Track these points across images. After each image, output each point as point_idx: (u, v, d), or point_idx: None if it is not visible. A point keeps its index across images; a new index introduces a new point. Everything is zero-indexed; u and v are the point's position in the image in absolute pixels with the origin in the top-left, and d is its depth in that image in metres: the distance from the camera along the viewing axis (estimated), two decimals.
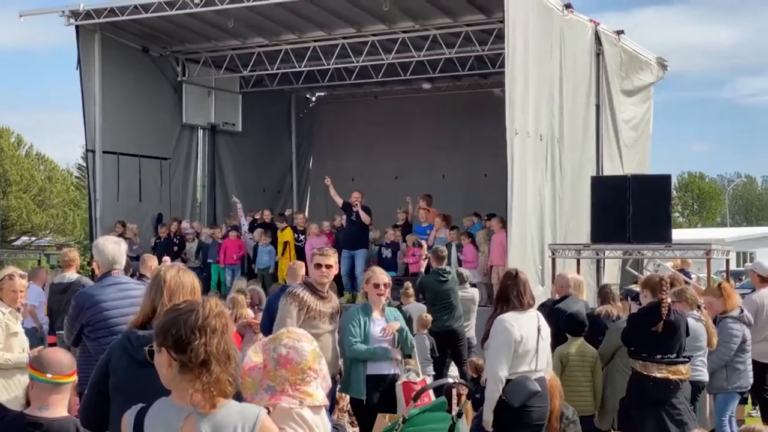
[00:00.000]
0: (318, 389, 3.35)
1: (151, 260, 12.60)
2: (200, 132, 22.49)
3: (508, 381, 6.96)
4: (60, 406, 4.58)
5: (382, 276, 8.33)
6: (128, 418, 3.28)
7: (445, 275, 12.52)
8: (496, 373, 6.94)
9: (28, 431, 4.49)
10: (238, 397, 3.35)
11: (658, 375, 7.80)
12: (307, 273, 10.26)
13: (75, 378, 4.67)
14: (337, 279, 16.55)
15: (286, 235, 18.95)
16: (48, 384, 4.56)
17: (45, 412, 4.54)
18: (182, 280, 4.57)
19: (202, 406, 3.13)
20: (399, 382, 8.08)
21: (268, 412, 3.28)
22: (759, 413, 10.96)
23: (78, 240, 52.40)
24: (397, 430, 6.84)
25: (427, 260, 16.95)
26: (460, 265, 15.98)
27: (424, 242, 15.59)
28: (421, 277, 13.43)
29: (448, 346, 12.37)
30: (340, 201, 17.97)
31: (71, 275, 8.69)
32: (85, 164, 57.41)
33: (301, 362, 3.31)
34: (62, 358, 4.67)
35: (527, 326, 7.06)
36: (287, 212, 20.73)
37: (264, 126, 23.79)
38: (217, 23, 19.07)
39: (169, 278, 4.52)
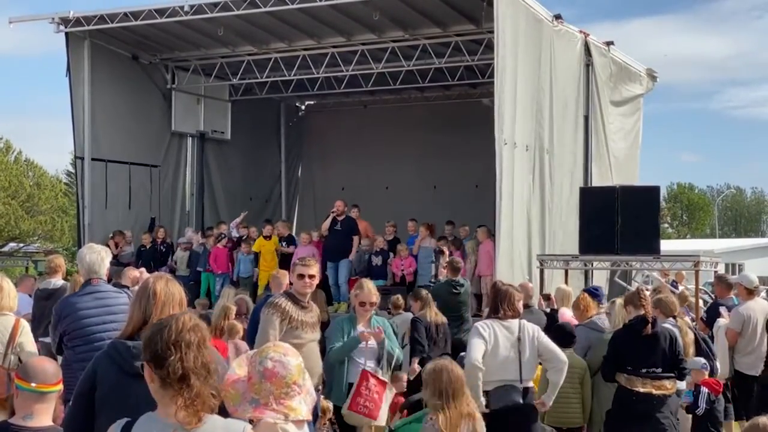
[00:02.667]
0: (301, 404, 3.34)
1: (131, 271, 12.56)
2: (189, 140, 22.45)
3: (486, 392, 7.00)
4: (45, 416, 4.53)
5: (370, 296, 8.38)
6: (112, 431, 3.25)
7: (458, 287, 12.38)
8: (470, 363, 7.01)
9: None
10: (222, 410, 3.33)
11: (642, 389, 7.82)
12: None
13: (60, 387, 4.63)
14: (326, 288, 16.57)
15: (270, 244, 18.88)
16: (32, 393, 4.52)
17: (29, 421, 4.50)
18: (171, 291, 4.56)
19: (187, 422, 3.12)
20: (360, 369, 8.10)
21: (252, 426, 3.27)
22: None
23: (66, 247, 52.17)
24: None
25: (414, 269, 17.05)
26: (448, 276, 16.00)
27: (445, 249, 15.49)
28: (433, 286, 13.38)
29: (452, 356, 12.29)
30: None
31: (57, 282, 8.66)
32: (73, 171, 57.36)
33: (286, 376, 3.30)
34: (47, 367, 4.63)
35: (502, 333, 7.14)
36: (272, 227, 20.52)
37: (253, 134, 23.78)
38: (206, 31, 19.07)
39: (159, 289, 4.51)
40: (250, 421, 3.30)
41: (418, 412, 7.36)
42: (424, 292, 11.89)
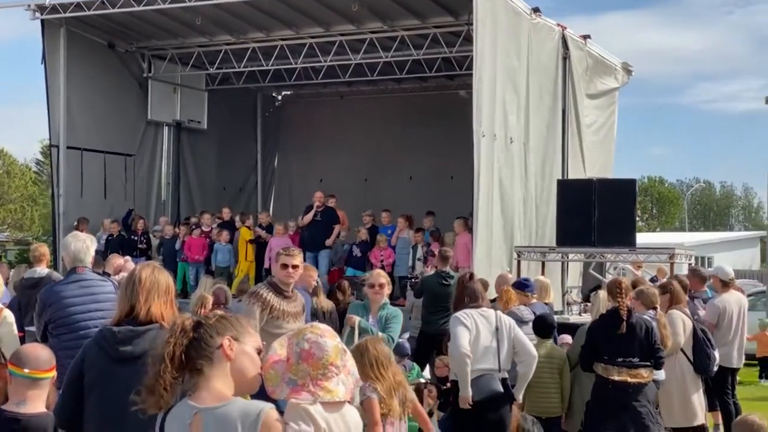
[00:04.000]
0: (339, 385, 3.36)
1: (116, 259, 12.54)
2: (165, 129, 22.36)
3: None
4: (38, 402, 4.55)
5: (379, 277, 8.61)
6: (158, 418, 3.36)
7: (447, 279, 12.38)
8: (459, 351, 7.11)
9: (5, 427, 4.46)
10: (262, 390, 3.39)
11: (617, 378, 7.93)
12: (270, 272, 10.33)
13: (54, 373, 4.65)
14: None
15: (245, 233, 18.93)
16: (25, 379, 4.53)
17: (23, 407, 4.51)
18: (157, 279, 4.59)
19: (218, 402, 3.27)
20: None
21: None
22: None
23: (36, 236, 51.85)
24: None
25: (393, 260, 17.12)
26: (424, 264, 16.11)
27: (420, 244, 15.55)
28: (423, 276, 13.42)
29: (436, 348, 12.32)
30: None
31: (42, 270, 8.63)
32: (44, 159, 56.94)
33: (323, 357, 3.33)
34: (40, 353, 4.64)
35: (482, 322, 7.24)
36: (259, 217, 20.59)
37: (229, 124, 23.71)
38: (184, 20, 18.98)
39: (145, 277, 4.54)
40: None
41: None
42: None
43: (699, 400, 9.47)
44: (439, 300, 12.21)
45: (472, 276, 7.63)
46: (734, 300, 11.24)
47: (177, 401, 3.32)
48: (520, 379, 7.39)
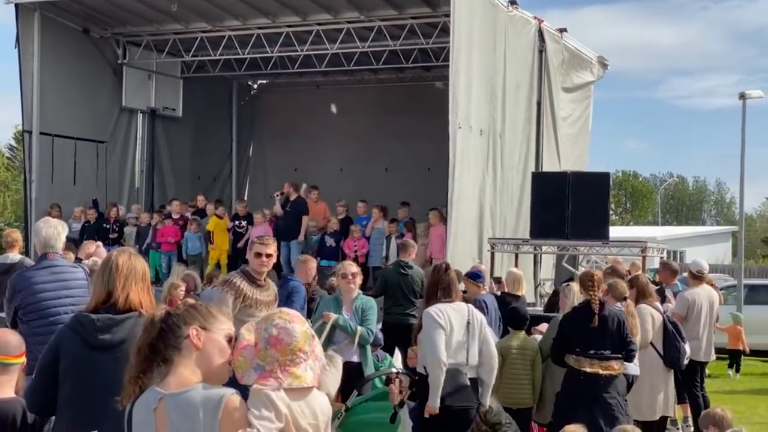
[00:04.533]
0: (307, 371, 3.35)
1: (89, 245, 12.46)
2: (139, 116, 22.23)
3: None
4: (7, 387, 4.52)
5: (350, 266, 8.73)
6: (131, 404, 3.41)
7: (406, 269, 12.41)
8: (436, 357, 7.06)
9: None
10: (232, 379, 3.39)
11: (589, 370, 7.98)
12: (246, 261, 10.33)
13: (23, 359, 4.62)
14: (277, 267, 16.57)
15: (211, 223, 18.90)
16: None
17: None
18: (134, 265, 4.57)
19: (181, 387, 3.29)
20: None
21: None
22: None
23: (8, 222, 51.42)
24: (339, 418, 6.88)
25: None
26: (398, 256, 16.09)
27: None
28: (382, 271, 13.44)
29: (399, 338, 12.34)
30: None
31: (14, 256, 8.57)
32: (17, 145, 56.45)
33: (291, 343, 3.32)
34: (10, 339, 4.61)
35: (455, 317, 7.21)
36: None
37: (204, 112, 23.59)
38: (160, 6, 18.87)
39: (122, 263, 4.52)
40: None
41: (376, 390, 7.44)
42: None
43: (669, 393, 9.52)
44: (399, 290, 12.24)
45: (448, 267, 7.58)
46: (705, 294, 11.31)
47: None
48: (484, 386, 7.35)
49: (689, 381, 11.14)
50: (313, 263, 11.08)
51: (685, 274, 12.15)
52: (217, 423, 3.16)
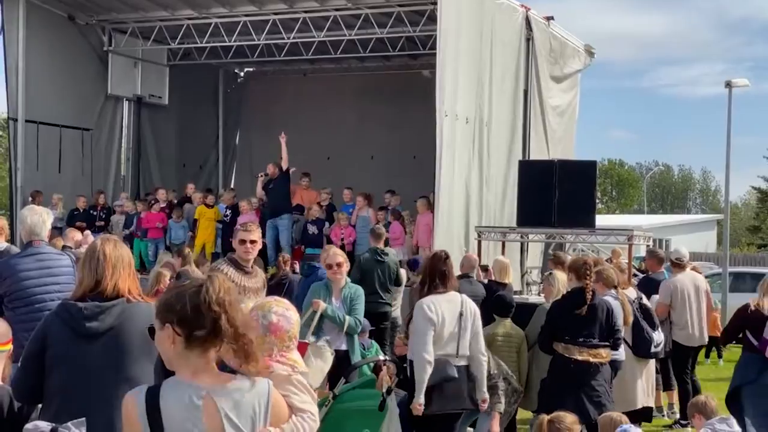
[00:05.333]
0: (298, 356, 3.40)
1: (74, 233, 12.44)
2: (125, 103, 22.15)
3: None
4: None
5: (336, 256, 8.67)
6: (135, 400, 3.12)
7: (382, 255, 12.45)
8: (422, 356, 7.05)
9: None
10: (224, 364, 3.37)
11: (579, 357, 8.00)
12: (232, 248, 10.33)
13: (10, 347, 4.61)
14: (263, 253, 16.54)
15: (197, 211, 18.90)
16: None
17: None
18: (121, 253, 4.60)
19: (226, 382, 3.16)
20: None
21: None
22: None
23: None
24: (326, 406, 6.88)
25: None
26: (387, 245, 16.08)
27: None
28: (358, 258, 13.43)
29: (374, 326, 12.40)
30: (285, 160, 17.81)
31: (0, 244, 8.54)
32: (2, 132, 56.10)
33: (289, 330, 3.36)
34: None
35: (448, 309, 7.18)
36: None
37: (190, 100, 23.52)
38: None
39: (109, 252, 4.54)
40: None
41: (363, 378, 7.44)
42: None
43: (642, 384, 9.46)
44: (375, 277, 12.21)
45: (447, 256, 7.45)
46: (688, 280, 11.33)
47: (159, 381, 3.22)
48: (477, 381, 7.35)
49: (679, 367, 11.19)
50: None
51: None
52: (269, 413, 3.17)
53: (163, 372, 3.34)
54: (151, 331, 3.24)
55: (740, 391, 8.14)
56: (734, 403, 8.02)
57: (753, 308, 8.12)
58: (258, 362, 3.18)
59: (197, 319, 3.10)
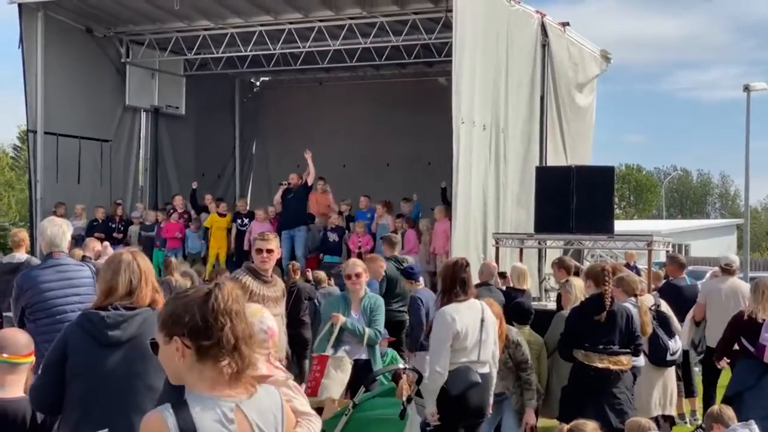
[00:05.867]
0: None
1: (94, 243, 12.50)
2: (143, 114, 22.28)
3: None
4: (16, 387, 4.53)
5: (355, 267, 8.62)
6: (163, 418, 2.88)
7: (402, 263, 12.43)
8: (433, 367, 7.04)
9: None
10: None
11: (599, 365, 7.93)
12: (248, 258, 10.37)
13: (32, 359, 4.63)
14: (279, 263, 16.58)
15: (209, 220, 18.96)
16: (4, 364, 4.51)
17: (1, 392, 4.49)
18: (149, 265, 4.71)
19: (249, 392, 3.00)
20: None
21: None
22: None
23: (13, 222, 51.46)
24: (347, 415, 6.89)
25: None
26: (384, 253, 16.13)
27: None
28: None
29: (396, 334, 12.37)
30: (312, 175, 17.82)
31: (21, 256, 8.61)
32: (22, 145, 56.44)
33: (274, 336, 3.37)
34: (19, 338, 4.63)
35: (469, 317, 7.14)
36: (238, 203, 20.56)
37: (207, 110, 23.62)
38: (162, 5, 18.87)
39: (143, 264, 4.61)
40: None
41: (384, 386, 7.44)
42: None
43: (657, 393, 9.41)
44: (396, 286, 12.10)
45: (467, 263, 7.43)
46: (727, 286, 11.21)
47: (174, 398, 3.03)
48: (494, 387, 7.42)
49: (710, 372, 11.05)
50: (382, 261, 11.12)
51: (692, 267, 12.14)
52: (284, 419, 3.13)
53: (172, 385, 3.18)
54: (154, 345, 3.08)
55: (741, 396, 8.24)
56: (733, 408, 8.03)
57: (747, 316, 8.40)
58: (257, 370, 3.09)
59: (208, 330, 2.94)
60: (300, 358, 12.69)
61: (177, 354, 2.95)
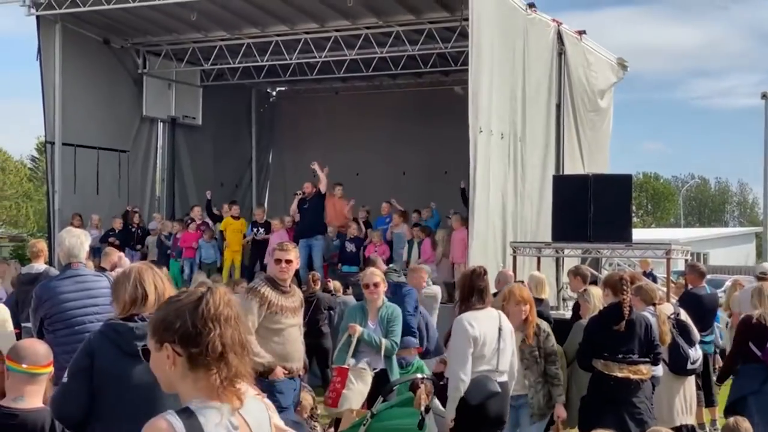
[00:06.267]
0: None
1: (113, 253, 12.52)
2: (160, 125, 22.38)
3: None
4: (36, 397, 4.54)
5: (373, 276, 8.61)
6: (171, 424, 2.77)
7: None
8: (457, 374, 7.00)
9: (2, 422, 4.44)
10: None
11: (619, 374, 7.88)
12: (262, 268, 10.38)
13: (51, 369, 4.63)
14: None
15: (223, 223, 19.09)
16: (23, 375, 4.52)
17: (20, 403, 4.50)
18: (168, 276, 4.74)
19: (242, 401, 2.87)
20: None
21: None
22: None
23: (31, 232, 51.72)
24: (365, 425, 6.87)
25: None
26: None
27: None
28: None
29: None
30: (324, 182, 17.86)
31: (39, 266, 8.63)
32: (39, 156, 56.75)
33: None
34: (38, 348, 4.63)
35: (487, 325, 7.12)
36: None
37: (224, 120, 23.71)
38: (179, 16, 18.96)
39: (161, 273, 4.66)
40: None
41: (402, 396, 7.42)
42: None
43: (679, 402, 9.35)
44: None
45: (485, 272, 7.42)
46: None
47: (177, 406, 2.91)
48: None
49: None
50: (424, 273, 11.13)
51: (711, 276, 12.05)
52: (271, 427, 3.06)
53: None
54: (145, 352, 2.97)
55: (745, 400, 8.30)
56: (737, 413, 8.04)
57: (756, 320, 8.42)
58: (246, 381, 2.92)
59: (198, 336, 2.80)
60: (322, 368, 12.69)
61: (168, 362, 2.84)
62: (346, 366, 8.27)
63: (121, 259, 11.58)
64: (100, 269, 10.22)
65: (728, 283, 17.25)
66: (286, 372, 7.65)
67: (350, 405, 8.03)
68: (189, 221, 19.57)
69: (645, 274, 15.49)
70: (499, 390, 7.09)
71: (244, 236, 18.92)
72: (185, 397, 2.86)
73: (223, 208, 20.19)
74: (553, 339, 8.21)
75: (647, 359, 8.02)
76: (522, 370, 7.72)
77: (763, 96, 21.37)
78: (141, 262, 4.91)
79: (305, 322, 13.07)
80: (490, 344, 7.09)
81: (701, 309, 11.21)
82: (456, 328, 7.16)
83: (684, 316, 9.68)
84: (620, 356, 7.91)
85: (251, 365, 2.95)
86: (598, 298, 8.99)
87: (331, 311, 13.31)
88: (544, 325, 8.20)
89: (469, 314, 7.13)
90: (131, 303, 4.52)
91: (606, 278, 8.83)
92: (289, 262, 7.78)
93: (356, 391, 8.17)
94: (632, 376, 7.90)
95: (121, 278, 4.69)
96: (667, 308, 9.46)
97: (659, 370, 8.51)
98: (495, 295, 9.79)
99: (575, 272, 11.37)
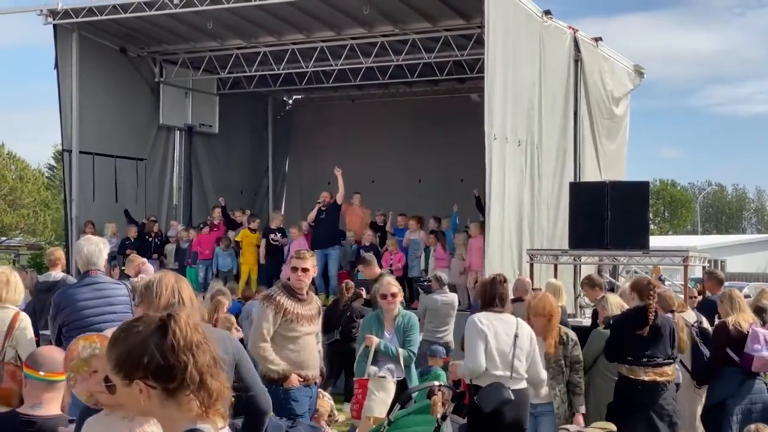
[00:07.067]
0: None
1: (137, 260, 12.56)
2: (177, 133, 22.46)
3: (478, 387, 7.00)
4: (53, 405, 4.53)
5: (390, 286, 8.59)
6: None
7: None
8: (478, 365, 6.96)
9: (20, 429, 4.45)
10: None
11: (646, 378, 7.88)
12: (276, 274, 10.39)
13: None
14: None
15: (240, 234, 19.04)
16: (41, 382, 4.52)
17: (38, 410, 4.50)
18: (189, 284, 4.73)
19: (221, 422, 2.72)
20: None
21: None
22: None
23: (49, 240, 51.96)
24: None
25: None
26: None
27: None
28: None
29: None
30: (342, 194, 17.85)
31: (57, 274, 8.67)
32: (57, 164, 57.02)
33: None
34: (56, 356, 4.63)
35: (500, 327, 7.10)
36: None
37: (241, 128, 23.78)
38: (195, 24, 19.03)
39: (185, 281, 4.65)
40: None
41: (418, 403, 7.40)
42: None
43: (701, 409, 9.31)
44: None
45: (505, 279, 7.43)
46: None
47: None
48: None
49: None
50: (376, 266, 11.45)
51: (728, 283, 11.96)
52: None
53: None
54: (109, 385, 2.75)
55: (724, 402, 8.55)
56: (716, 416, 8.20)
57: (732, 326, 8.64)
58: (222, 416, 2.74)
59: (172, 370, 2.61)
60: (349, 376, 12.70)
61: (142, 396, 2.65)
62: (366, 377, 8.27)
63: (144, 265, 11.62)
64: (124, 276, 10.26)
65: (746, 290, 17.16)
66: (301, 380, 7.64)
67: (372, 414, 8.03)
68: (206, 222, 19.62)
69: (658, 280, 15.42)
70: (512, 398, 7.04)
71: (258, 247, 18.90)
72: (170, 423, 2.70)
73: (235, 214, 20.21)
74: (579, 348, 8.18)
75: (671, 360, 8.03)
76: (548, 379, 7.69)
77: None
78: (168, 270, 4.94)
79: (338, 330, 13.12)
80: (502, 346, 7.05)
81: (719, 316, 11.12)
82: (467, 326, 7.21)
83: (706, 324, 9.65)
84: (645, 360, 7.90)
85: (225, 378, 2.78)
86: (616, 305, 8.96)
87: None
88: (572, 334, 8.18)
89: (482, 313, 7.17)
90: (166, 309, 4.52)
91: (634, 281, 8.80)
92: (305, 270, 7.77)
93: (378, 400, 8.18)
94: (659, 379, 7.92)
95: (153, 283, 4.67)
96: (690, 316, 9.43)
97: (678, 377, 8.49)
98: (512, 302, 9.79)
99: (589, 284, 11.34)
